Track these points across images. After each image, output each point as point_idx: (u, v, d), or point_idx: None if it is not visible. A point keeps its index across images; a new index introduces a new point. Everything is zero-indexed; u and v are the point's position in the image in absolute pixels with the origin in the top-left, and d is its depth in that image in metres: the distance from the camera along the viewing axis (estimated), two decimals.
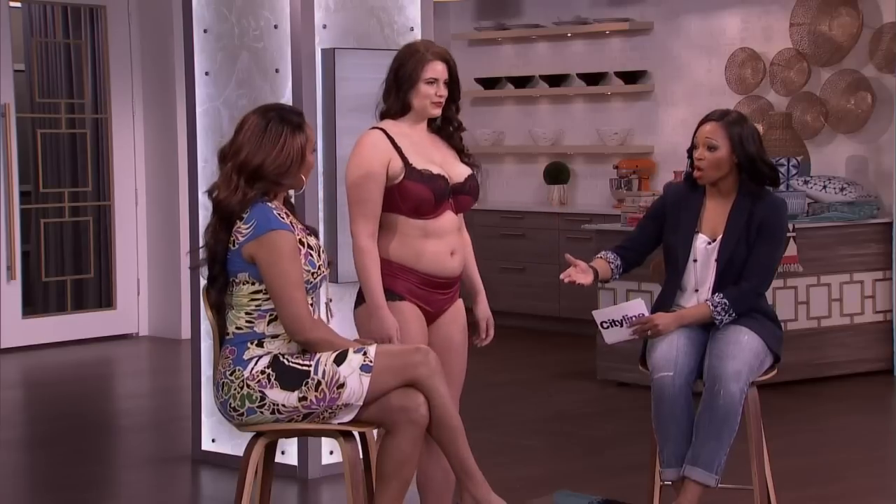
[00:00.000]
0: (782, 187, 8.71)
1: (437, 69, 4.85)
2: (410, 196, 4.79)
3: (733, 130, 5.20)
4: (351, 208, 4.83)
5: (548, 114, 11.49)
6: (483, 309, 5.08)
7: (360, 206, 4.80)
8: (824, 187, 8.99)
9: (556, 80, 11.27)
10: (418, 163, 4.83)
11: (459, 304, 5.03)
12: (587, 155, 11.27)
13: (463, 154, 5.00)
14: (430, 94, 4.85)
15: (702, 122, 5.28)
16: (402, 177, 4.80)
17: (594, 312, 5.35)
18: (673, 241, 5.30)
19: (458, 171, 4.93)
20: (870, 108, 9.51)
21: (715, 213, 5.28)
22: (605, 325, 5.29)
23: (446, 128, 4.99)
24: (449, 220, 4.88)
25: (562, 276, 5.24)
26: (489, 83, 11.68)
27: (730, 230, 5.22)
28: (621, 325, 5.24)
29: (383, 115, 4.94)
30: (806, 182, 8.97)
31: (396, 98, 4.88)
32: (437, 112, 4.91)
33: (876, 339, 8.89)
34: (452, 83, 4.91)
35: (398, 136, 4.86)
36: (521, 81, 11.50)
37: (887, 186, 9.29)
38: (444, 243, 4.86)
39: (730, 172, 5.23)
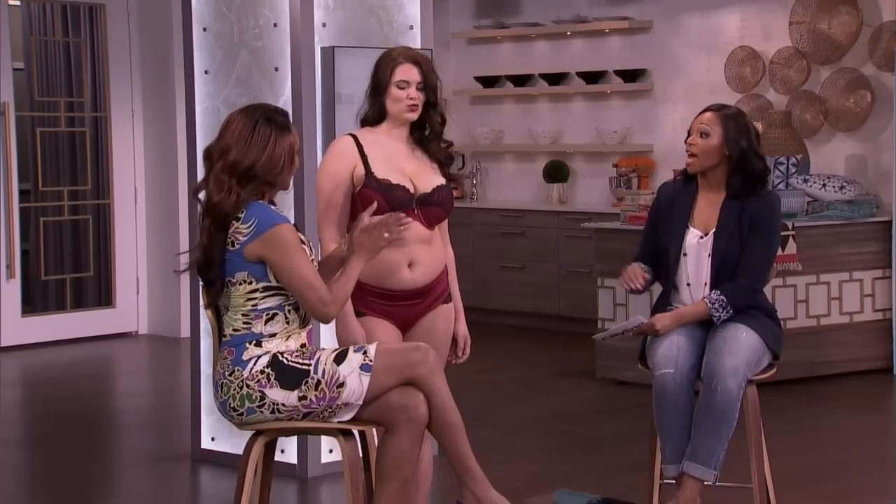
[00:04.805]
0: (781, 186, 8.71)
1: (407, 72, 4.79)
2: (368, 204, 4.70)
3: (728, 123, 5.23)
4: (319, 214, 4.83)
5: (547, 112, 11.49)
6: (461, 327, 5.00)
7: (327, 211, 4.80)
8: (823, 186, 8.99)
9: (555, 79, 11.27)
10: (382, 171, 4.77)
11: (440, 313, 4.92)
12: (587, 153, 11.26)
13: (443, 165, 4.90)
14: (401, 97, 4.79)
15: (700, 112, 5.31)
16: (362, 184, 4.78)
17: (595, 337, 5.47)
18: (665, 238, 5.31)
19: (429, 182, 4.85)
20: (869, 107, 9.50)
21: (707, 207, 5.29)
22: (605, 340, 5.37)
23: (429, 136, 4.90)
24: (413, 231, 4.76)
25: (624, 284, 5.26)
26: (488, 82, 11.68)
27: (722, 224, 5.22)
28: (622, 335, 5.31)
29: (363, 121, 4.91)
30: (805, 180, 8.97)
31: (374, 103, 4.85)
32: (413, 116, 4.82)
33: (875, 337, 8.88)
34: (428, 88, 4.83)
35: (369, 144, 4.81)
36: (521, 80, 11.49)
37: (886, 185, 9.29)
38: (402, 254, 4.77)
39: (720, 164, 5.24)
